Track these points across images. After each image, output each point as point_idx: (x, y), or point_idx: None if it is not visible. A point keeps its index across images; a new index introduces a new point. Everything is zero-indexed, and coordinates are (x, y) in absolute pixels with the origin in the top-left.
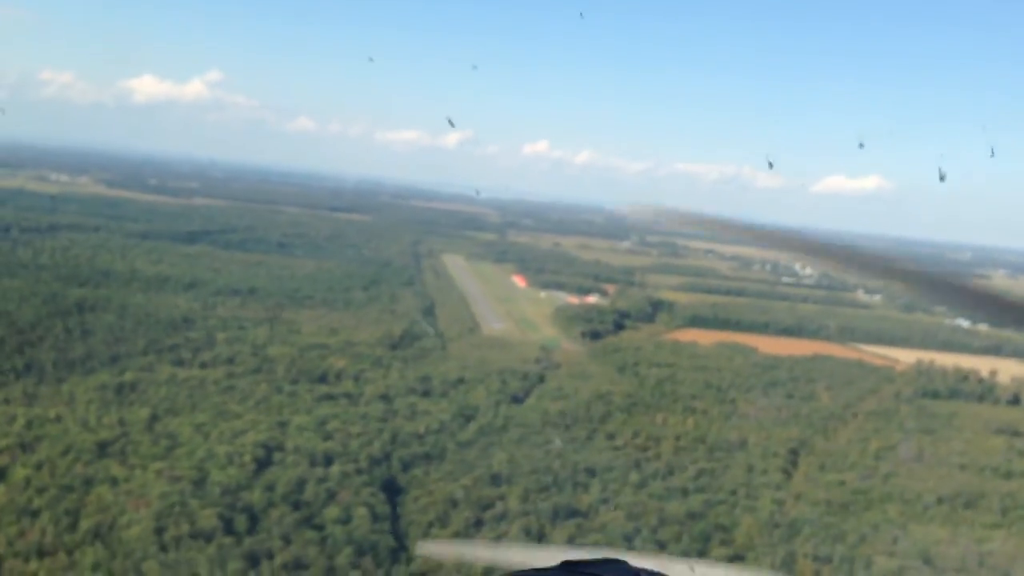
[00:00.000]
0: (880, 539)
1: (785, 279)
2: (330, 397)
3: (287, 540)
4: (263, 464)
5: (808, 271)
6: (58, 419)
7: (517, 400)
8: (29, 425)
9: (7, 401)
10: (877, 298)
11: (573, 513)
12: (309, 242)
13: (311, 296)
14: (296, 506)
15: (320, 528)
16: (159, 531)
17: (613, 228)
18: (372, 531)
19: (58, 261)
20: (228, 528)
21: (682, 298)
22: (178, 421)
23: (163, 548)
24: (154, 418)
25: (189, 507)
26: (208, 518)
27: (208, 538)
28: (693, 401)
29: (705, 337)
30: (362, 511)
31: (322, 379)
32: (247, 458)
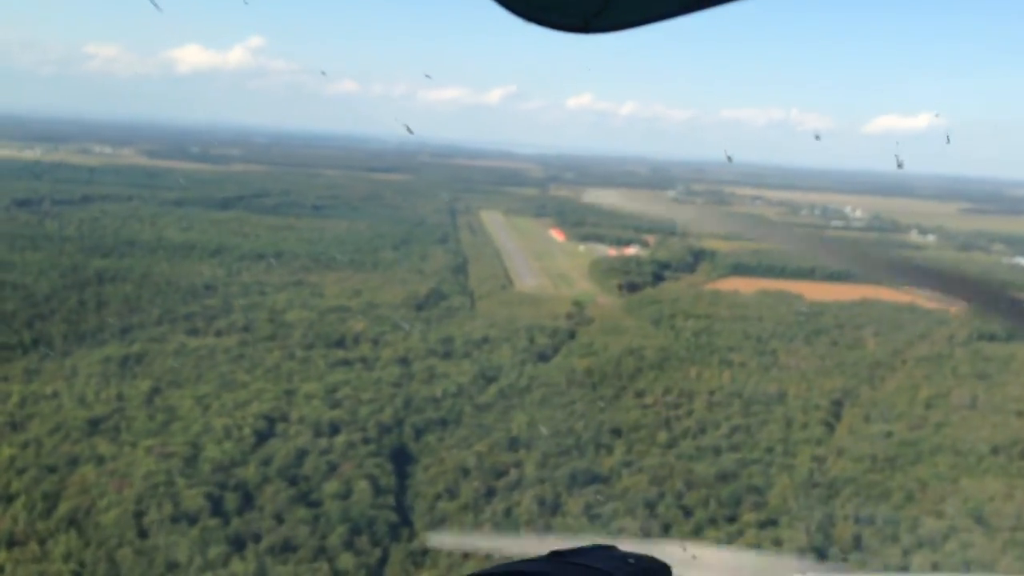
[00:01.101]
0: (928, 496)
1: (835, 223)
2: (345, 363)
3: (279, 519)
4: (263, 437)
5: (858, 213)
6: (55, 395)
7: (544, 358)
8: (23, 402)
9: (6, 378)
10: (931, 238)
11: (593, 478)
12: (343, 204)
13: (338, 258)
14: (293, 481)
15: (317, 505)
16: (139, 514)
17: (657, 178)
18: (372, 506)
19: (84, 232)
20: (216, 508)
21: (725, 246)
22: (179, 394)
23: (141, 533)
24: (155, 391)
25: (175, 487)
26: (194, 498)
27: (192, 520)
28: (730, 353)
29: (747, 285)
30: (363, 484)
31: (339, 344)
32: (246, 431)
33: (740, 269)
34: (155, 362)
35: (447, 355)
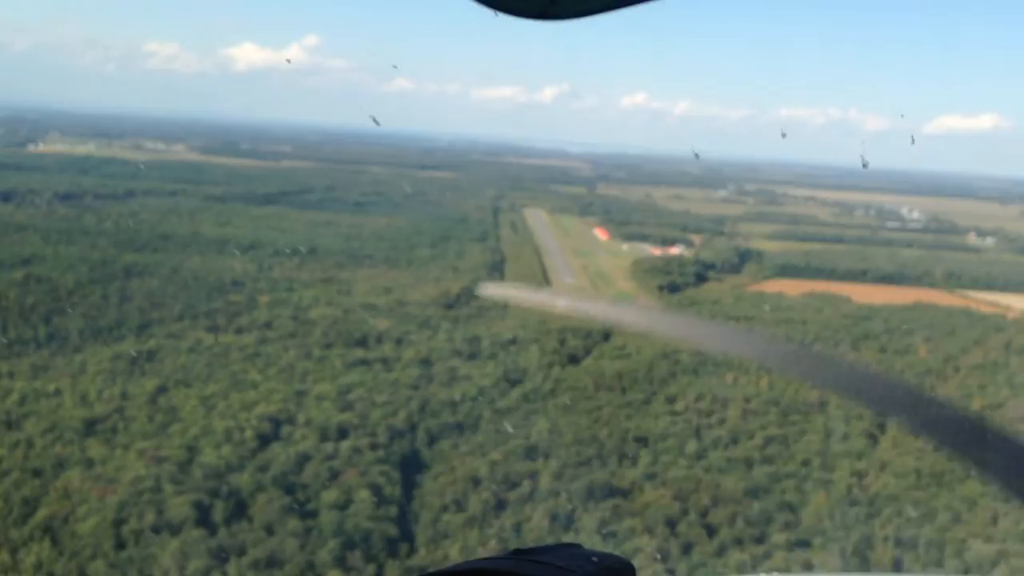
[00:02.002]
0: (977, 517)
1: (890, 224)
2: (363, 362)
3: (269, 531)
4: (265, 440)
5: (915, 215)
6: (57, 393)
7: (574, 360)
8: (23, 400)
9: (11, 374)
10: (990, 241)
11: (612, 492)
12: (386, 200)
13: (373, 254)
14: (290, 490)
15: (312, 515)
16: (119, 523)
17: (709, 177)
18: (372, 518)
19: (120, 226)
20: (202, 518)
21: (773, 247)
22: (185, 393)
23: (119, 544)
24: (161, 390)
25: (162, 493)
26: (180, 507)
27: (175, 530)
28: None
29: (794, 287)
30: (364, 494)
31: (360, 343)
32: (248, 434)
33: (788, 271)
34: (167, 360)
35: (472, 356)
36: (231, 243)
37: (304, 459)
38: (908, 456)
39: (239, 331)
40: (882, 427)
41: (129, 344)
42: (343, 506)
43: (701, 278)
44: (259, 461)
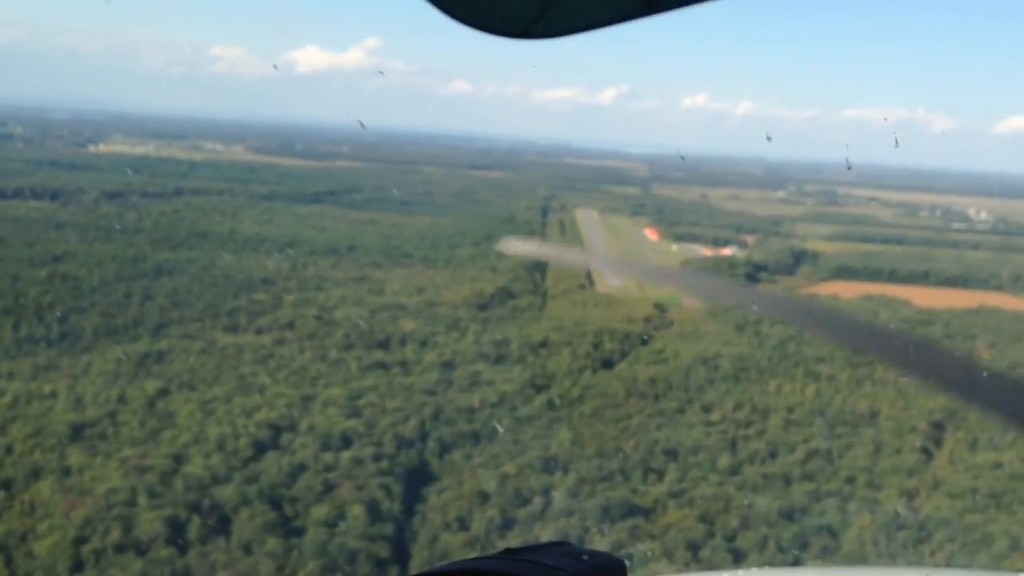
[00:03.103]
0: None
1: (956, 225)
2: (381, 366)
3: (247, 550)
4: (261, 449)
5: (983, 216)
6: (52, 395)
7: (607, 365)
8: (15, 403)
9: (11, 374)
10: None
11: (632, 510)
12: (433, 200)
13: (411, 253)
14: (277, 504)
15: (297, 533)
16: (79, 542)
17: (769, 178)
18: (363, 536)
19: (160, 224)
20: (174, 536)
21: (830, 248)
22: (186, 397)
23: (76, 566)
24: (162, 393)
25: (135, 508)
26: (151, 523)
27: (142, 550)
28: (818, 364)
29: (850, 290)
30: (358, 510)
31: (382, 344)
32: (243, 442)
33: (844, 272)
34: (176, 361)
35: (498, 360)
36: (268, 241)
37: (299, 470)
38: (965, 475)
39: (259, 331)
40: (938, 441)
41: (142, 344)
42: (332, 523)
43: (752, 279)
44: (249, 472)
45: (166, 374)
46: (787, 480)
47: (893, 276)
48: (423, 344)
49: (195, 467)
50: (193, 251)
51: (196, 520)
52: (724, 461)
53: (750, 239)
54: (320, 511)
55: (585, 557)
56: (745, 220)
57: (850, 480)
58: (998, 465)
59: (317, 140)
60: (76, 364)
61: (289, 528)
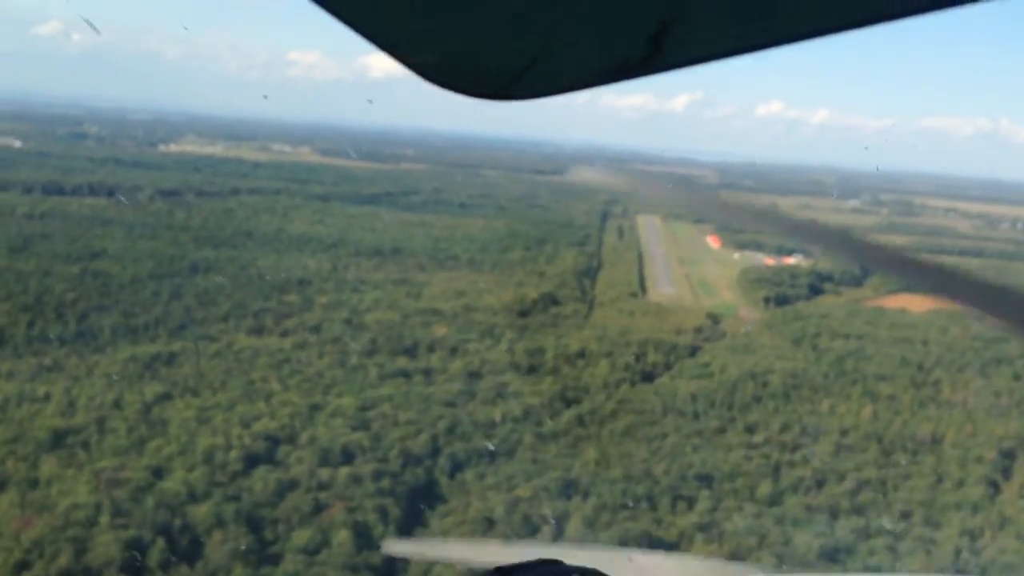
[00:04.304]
0: None
1: None
2: (403, 374)
3: None
4: (252, 463)
5: None
6: (45, 398)
7: (647, 379)
8: (4, 405)
9: (11, 374)
10: None
11: (652, 544)
12: (492, 203)
13: (458, 256)
14: (256, 526)
15: (271, 561)
16: (22, 567)
17: (843, 187)
18: (344, 567)
19: (208, 223)
20: (130, 562)
21: None
22: (187, 403)
23: None
24: (163, 398)
25: (95, 528)
26: (108, 546)
27: None
28: (879, 384)
29: (920, 304)
30: (344, 535)
31: (408, 351)
32: (233, 455)
33: (916, 285)
34: (187, 363)
35: (531, 370)
36: (314, 241)
37: (288, 488)
38: None
39: (283, 334)
40: (1007, 472)
41: (157, 345)
42: (314, 550)
43: (815, 290)
44: (232, 489)
45: (172, 377)
46: (833, 513)
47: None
48: (452, 351)
49: (173, 482)
50: (235, 250)
51: (160, 544)
52: (764, 489)
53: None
54: (302, 536)
55: (575, 574)
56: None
57: (905, 516)
58: None
59: (385, 143)
60: (82, 365)
61: (263, 555)
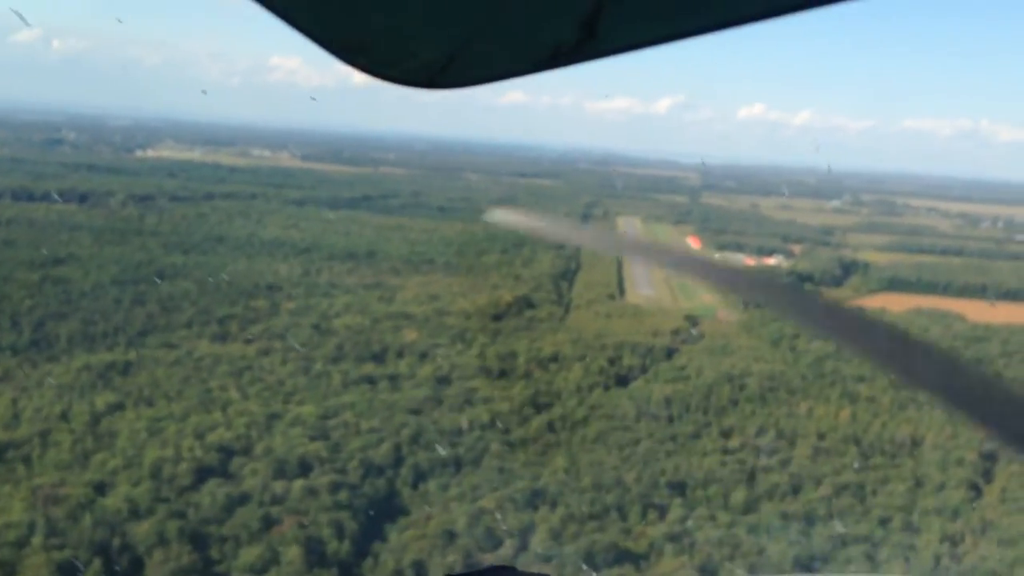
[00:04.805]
0: None
1: (1019, 237)
2: (368, 380)
3: None
4: (202, 476)
5: None
6: None
7: (621, 383)
8: None
9: None
10: None
11: (619, 557)
12: (471, 206)
13: (434, 260)
14: (203, 545)
15: None
16: None
17: (824, 188)
18: None
19: (178, 228)
20: None
21: (883, 259)
22: (138, 413)
23: None
24: (114, 408)
25: (26, 548)
26: (38, 569)
27: None
28: (857, 385)
29: (900, 303)
30: (294, 552)
31: (376, 357)
32: (183, 468)
33: (896, 284)
34: (143, 372)
35: (501, 375)
36: (286, 246)
37: (238, 502)
38: (1019, 516)
39: (247, 341)
40: (988, 474)
41: (116, 353)
42: (261, 568)
43: None
44: (178, 505)
45: (126, 387)
46: (809, 520)
47: (948, 289)
48: (422, 356)
49: (116, 498)
50: (205, 255)
51: (96, 564)
52: (738, 496)
53: (797, 249)
54: (250, 554)
55: None
56: (794, 229)
57: (884, 522)
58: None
59: (366, 148)
60: (33, 375)
61: (208, 574)
